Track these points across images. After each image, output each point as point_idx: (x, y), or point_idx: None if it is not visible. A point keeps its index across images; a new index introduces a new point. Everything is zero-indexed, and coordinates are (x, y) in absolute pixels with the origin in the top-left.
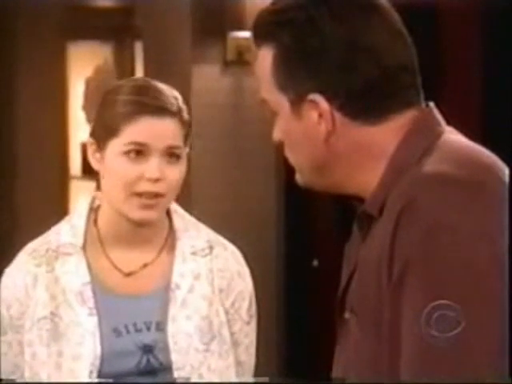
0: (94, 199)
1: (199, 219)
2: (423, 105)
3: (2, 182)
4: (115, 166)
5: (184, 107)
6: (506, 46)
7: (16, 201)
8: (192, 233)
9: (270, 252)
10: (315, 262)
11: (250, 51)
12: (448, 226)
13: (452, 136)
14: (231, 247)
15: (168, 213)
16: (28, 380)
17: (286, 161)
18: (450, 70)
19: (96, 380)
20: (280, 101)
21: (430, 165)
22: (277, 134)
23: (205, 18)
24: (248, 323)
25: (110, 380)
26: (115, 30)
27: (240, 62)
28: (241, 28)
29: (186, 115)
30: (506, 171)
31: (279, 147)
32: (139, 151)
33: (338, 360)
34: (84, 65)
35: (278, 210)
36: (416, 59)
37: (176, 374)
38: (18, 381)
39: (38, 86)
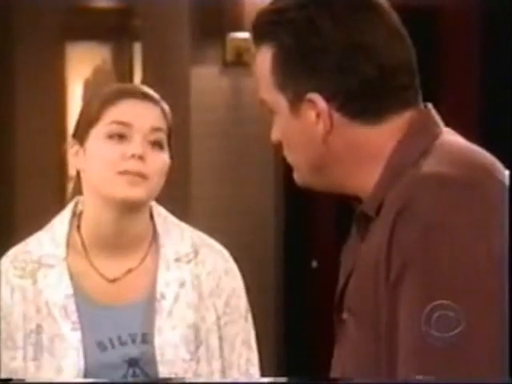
0: (76, 204)
1: (198, 219)
2: (421, 105)
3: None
4: (98, 149)
5: (163, 102)
6: (506, 46)
7: (14, 201)
8: (175, 237)
9: (268, 253)
10: (314, 263)
11: (248, 52)
12: (445, 227)
13: (450, 137)
14: (217, 246)
15: (151, 215)
16: None
17: (284, 161)
18: (448, 70)
19: (94, 380)
20: (279, 100)
21: (428, 166)
22: (275, 134)
23: (203, 19)
24: (246, 319)
25: (103, 380)
26: (114, 30)
27: (239, 62)
28: (240, 29)
29: (166, 107)
30: (505, 172)
31: (278, 147)
32: (122, 135)
33: (337, 360)
34: (82, 65)
35: (277, 211)
36: (415, 60)
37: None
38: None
39: (37, 87)
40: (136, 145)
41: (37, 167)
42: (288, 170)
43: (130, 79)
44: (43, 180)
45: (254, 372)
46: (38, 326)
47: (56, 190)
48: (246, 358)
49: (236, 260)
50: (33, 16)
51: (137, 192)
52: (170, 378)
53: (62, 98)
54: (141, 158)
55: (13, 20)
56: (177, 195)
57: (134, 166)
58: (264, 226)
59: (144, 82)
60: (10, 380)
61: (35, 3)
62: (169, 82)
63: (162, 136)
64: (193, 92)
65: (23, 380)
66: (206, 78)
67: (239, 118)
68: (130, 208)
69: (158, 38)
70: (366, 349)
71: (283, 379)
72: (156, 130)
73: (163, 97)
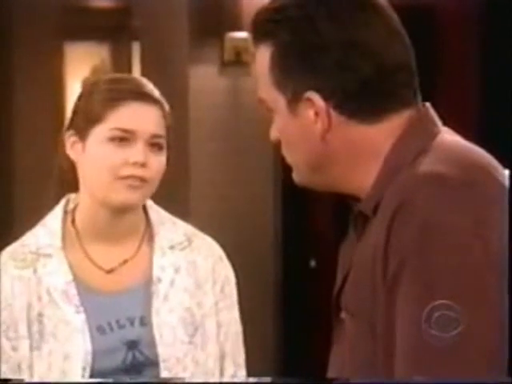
0: (67, 202)
1: (196, 218)
2: (420, 105)
3: None
4: (100, 151)
5: (163, 100)
6: (505, 46)
7: (13, 200)
8: (168, 227)
9: (267, 252)
10: (312, 263)
11: (247, 52)
12: (442, 226)
13: (448, 136)
14: (207, 237)
15: (144, 208)
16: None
17: (283, 161)
18: (448, 70)
19: (95, 380)
20: (277, 99)
21: (425, 165)
22: (274, 133)
23: (202, 19)
24: (237, 311)
25: (103, 380)
26: (112, 30)
27: (237, 62)
28: (238, 28)
29: (166, 106)
30: (504, 172)
31: (277, 147)
32: (124, 137)
33: (334, 360)
34: (81, 65)
35: (275, 210)
36: (414, 59)
37: (162, 367)
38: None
39: (35, 87)
40: (138, 151)
41: (35, 167)
42: (287, 169)
43: None
44: (42, 180)
45: (243, 363)
46: (40, 315)
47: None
48: (238, 349)
49: (235, 259)
50: (31, 16)
51: (134, 196)
52: (171, 378)
53: (61, 98)
54: (143, 165)
55: (11, 19)
56: (176, 195)
57: (136, 172)
58: (262, 225)
59: None
60: (9, 380)
61: (34, 3)
62: (167, 82)
63: (162, 140)
64: (191, 91)
65: (22, 380)
66: (205, 78)
67: (238, 117)
68: (125, 210)
69: (156, 38)
70: (364, 348)
71: (282, 379)
72: (156, 136)
73: (162, 96)
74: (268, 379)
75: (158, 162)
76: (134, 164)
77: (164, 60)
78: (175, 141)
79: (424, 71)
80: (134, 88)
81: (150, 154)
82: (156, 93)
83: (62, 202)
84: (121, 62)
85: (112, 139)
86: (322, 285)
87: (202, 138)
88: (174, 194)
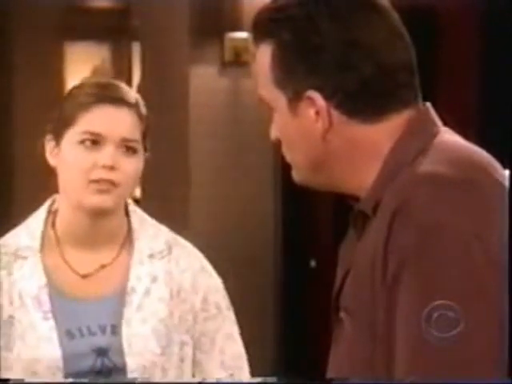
0: (53, 202)
1: (196, 219)
2: (420, 105)
3: None
4: (71, 155)
5: (142, 103)
6: (505, 46)
7: (13, 201)
8: (150, 233)
9: (267, 252)
10: (313, 263)
11: (247, 52)
12: (441, 226)
13: (448, 136)
14: (189, 246)
15: (126, 213)
16: None
17: (283, 160)
18: (448, 70)
19: (79, 380)
20: (278, 98)
21: (425, 165)
22: (274, 132)
23: (202, 19)
24: (227, 315)
25: (83, 380)
26: (112, 30)
27: (237, 62)
28: (238, 29)
29: (143, 110)
30: (504, 172)
31: (277, 147)
32: (94, 140)
33: (333, 360)
34: (81, 65)
35: (276, 211)
36: (415, 59)
37: (130, 376)
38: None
39: (36, 87)
40: (107, 155)
41: (35, 167)
42: (287, 169)
43: (129, 79)
44: (41, 181)
45: (243, 365)
46: (11, 317)
47: (54, 190)
48: (231, 353)
49: (235, 259)
50: (31, 16)
51: (105, 200)
52: (147, 378)
53: (61, 98)
54: (112, 168)
55: (11, 20)
56: (175, 195)
57: (104, 175)
58: (262, 225)
59: (143, 81)
60: (8, 380)
61: (34, 3)
62: (167, 82)
63: (135, 143)
64: (191, 92)
65: (22, 380)
66: (205, 78)
67: (238, 117)
68: (101, 214)
69: (156, 38)
70: (362, 348)
71: (282, 379)
72: (128, 140)
73: (162, 97)
74: (269, 379)
75: (130, 165)
76: (103, 167)
77: (164, 60)
78: (175, 140)
79: (424, 71)
80: (108, 92)
81: (122, 157)
82: (132, 97)
83: (48, 202)
84: (121, 62)
85: (82, 142)
86: (321, 285)
87: (202, 137)
88: (172, 193)
